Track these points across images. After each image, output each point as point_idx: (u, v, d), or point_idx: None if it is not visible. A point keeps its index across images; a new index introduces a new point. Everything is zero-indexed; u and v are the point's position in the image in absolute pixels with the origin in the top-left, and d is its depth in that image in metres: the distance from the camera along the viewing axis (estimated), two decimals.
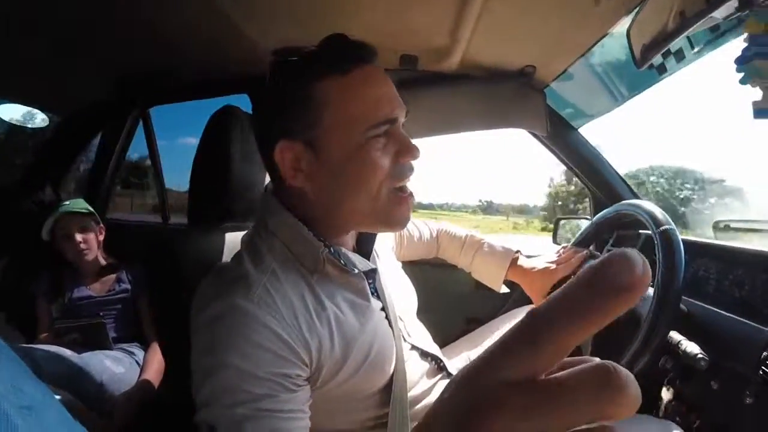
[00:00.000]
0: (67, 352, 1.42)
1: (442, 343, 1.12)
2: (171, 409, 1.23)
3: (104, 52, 1.60)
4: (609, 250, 1.29)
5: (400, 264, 1.06)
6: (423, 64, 1.47)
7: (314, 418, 0.67)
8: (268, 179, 0.88)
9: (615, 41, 1.21)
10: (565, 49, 1.32)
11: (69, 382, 1.33)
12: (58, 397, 1.21)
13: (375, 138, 0.69)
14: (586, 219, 1.57)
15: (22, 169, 2.24)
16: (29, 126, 2.17)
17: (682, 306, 0.97)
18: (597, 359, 0.21)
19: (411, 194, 0.76)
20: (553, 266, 1.12)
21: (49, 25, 1.37)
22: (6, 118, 2.10)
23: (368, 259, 0.84)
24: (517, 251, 1.19)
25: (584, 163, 1.61)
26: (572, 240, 1.33)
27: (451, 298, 1.65)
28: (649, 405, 1.02)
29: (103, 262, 1.83)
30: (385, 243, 1.05)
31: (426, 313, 1.05)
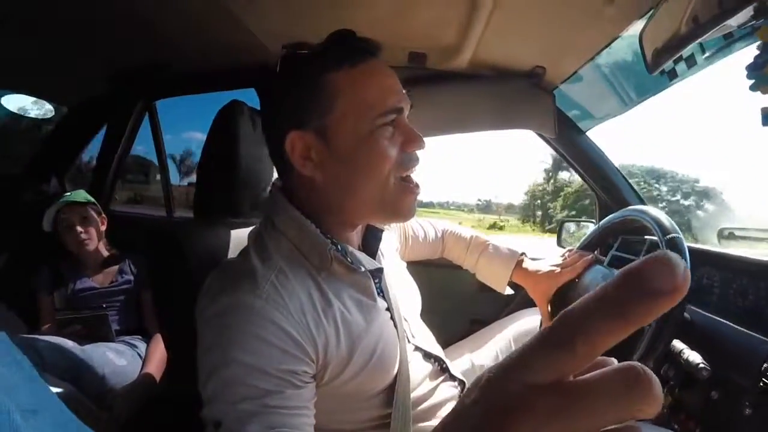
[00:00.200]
0: (69, 344, 1.43)
1: (446, 344, 1.12)
2: (173, 403, 1.24)
3: (109, 44, 1.60)
4: (614, 255, 1.29)
5: (405, 264, 1.06)
6: (432, 61, 1.47)
7: (319, 416, 0.67)
8: (275, 175, 0.89)
9: (625, 44, 1.21)
10: (575, 51, 1.32)
11: (71, 374, 1.33)
12: (59, 389, 1.23)
13: (383, 127, 0.72)
14: (591, 222, 1.57)
15: (28, 160, 2.24)
16: (35, 116, 2.17)
17: (686, 314, 0.97)
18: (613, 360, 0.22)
19: (417, 185, 0.78)
20: (558, 269, 1.12)
21: (54, 16, 1.37)
22: (12, 108, 2.10)
23: (374, 259, 0.85)
24: (522, 253, 1.19)
25: (591, 166, 1.60)
26: (578, 243, 1.33)
27: (455, 299, 1.65)
28: None
29: (105, 253, 1.84)
30: (390, 243, 1.05)
31: (430, 313, 1.05)
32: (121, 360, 1.53)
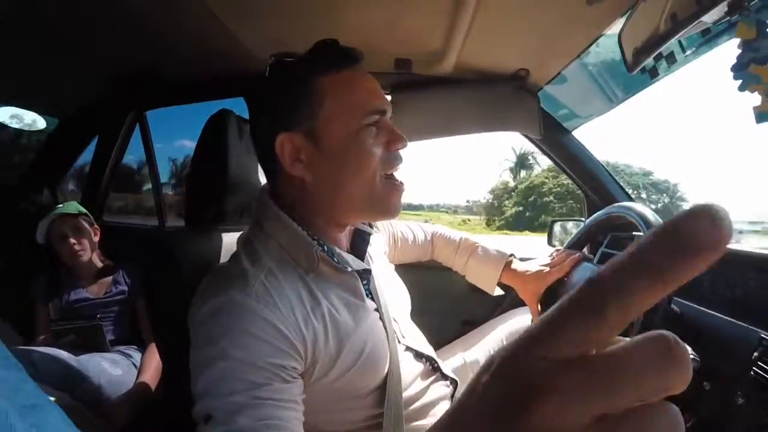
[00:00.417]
0: (64, 354, 1.42)
1: (437, 345, 1.13)
2: (169, 411, 1.24)
3: (99, 56, 1.60)
4: (604, 252, 1.30)
5: (393, 267, 1.07)
6: (417, 67, 1.48)
7: (311, 417, 0.68)
8: (263, 181, 0.90)
9: (610, 42, 1.22)
10: (558, 53, 1.34)
11: (66, 385, 1.33)
12: (53, 398, 1.22)
13: (368, 127, 0.76)
14: (580, 221, 1.58)
15: (20, 171, 2.24)
16: (26, 129, 2.17)
17: (674, 307, 0.98)
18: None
19: (401, 183, 0.81)
20: (547, 269, 1.13)
21: (43, 28, 1.37)
22: (4, 121, 2.10)
23: (362, 260, 0.86)
24: (511, 255, 1.20)
25: (578, 165, 1.62)
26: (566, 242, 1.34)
27: (447, 300, 1.66)
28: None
29: (99, 263, 1.83)
30: (378, 246, 1.07)
31: (421, 315, 1.05)
32: (116, 370, 1.52)
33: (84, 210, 1.83)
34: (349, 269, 0.78)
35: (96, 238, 1.84)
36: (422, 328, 1.03)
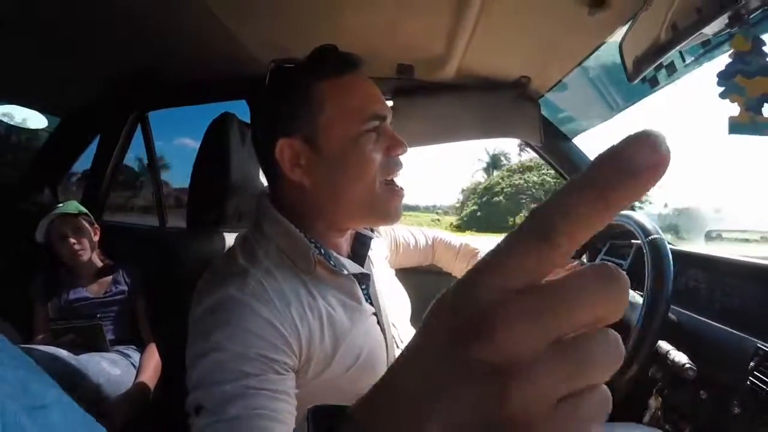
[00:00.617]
0: (64, 353, 1.43)
1: None
2: (168, 412, 1.24)
3: (101, 56, 1.61)
4: (603, 260, 1.30)
5: (394, 272, 1.08)
6: (419, 73, 1.49)
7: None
8: (265, 184, 0.90)
9: (611, 50, 1.23)
10: (559, 60, 1.34)
11: (66, 384, 1.31)
12: None
13: (368, 132, 0.75)
14: None
15: (21, 170, 2.25)
16: (28, 127, 2.18)
17: (671, 316, 0.98)
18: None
19: (401, 189, 0.81)
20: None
21: (45, 28, 1.38)
22: (6, 120, 2.11)
23: (362, 265, 0.86)
24: None
25: (578, 172, 1.62)
26: None
27: None
28: (639, 413, 1.03)
29: (99, 263, 1.84)
30: (379, 251, 1.07)
31: (420, 320, 1.05)
32: (116, 369, 1.52)
33: (84, 209, 1.84)
34: (345, 272, 0.79)
35: (96, 238, 1.84)
36: None
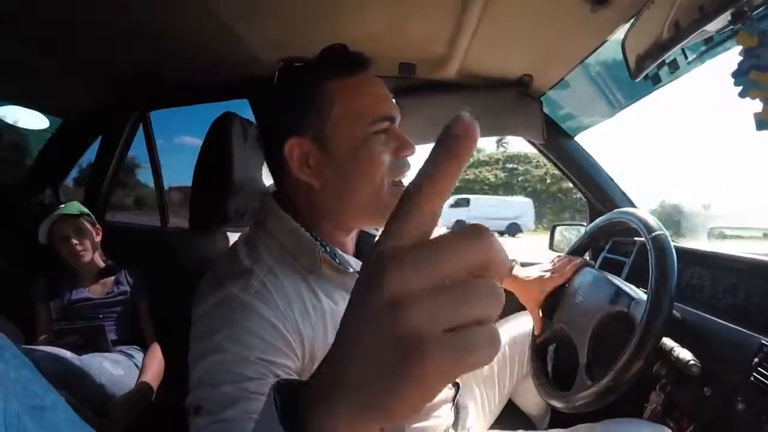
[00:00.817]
0: (66, 354, 1.42)
1: None
2: (170, 412, 1.24)
3: (103, 56, 1.61)
4: (605, 257, 1.30)
5: None
6: (421, 71, 1.49)
7: None
8: (267, 183, 0.90)
9: (612, 48, 1.23)
10: (561, 59, 1.34)
11: (68, 384, 1.33)
12: None
13: (377, 134, 0.75)
14: (583, 226, 1.58)
15: (23, 171, 2.25)
16: (30, 128, 2.18)
17: (675, 313, 0.98)
18: None
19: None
20: (548, 275, 1.13)
21: (47, 28, 1.38)
22: (8, 120, 2.11)
23: None
24: (513, 260, 1.21)
25: (580, 170, 1.62)
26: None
27: None
28: (642, 409, 1.03)
29: (101, 264, 1.84)
30: None
31: None
32: (118, 370, 1.52)
33: (86, 210, 1.84)
34: (351, 270, 0.78)
35: (98, 239, 1.84)
36: None
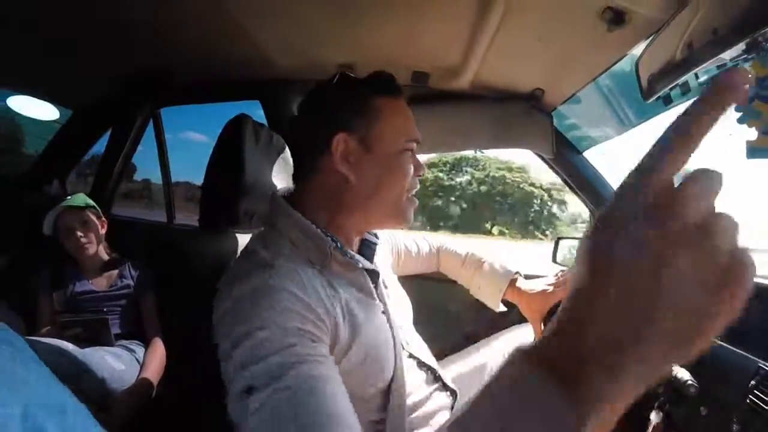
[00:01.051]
0: (68, 347, 1.42)
1: (437, 356, 1.13)
2: (170, 408, 1.25)
3: (116, 52, 1.62)
4: None
5: (396, 277, 1.10)
6: (434, 81, 1.51)
7: None
8: (278, 186, 0.92)
9: (625, 65, 1.24)
10: (574, 75, 1.35)
11: (69, 377, 1.32)
12: None
13: (406, 151, 0.86)
14: None
15: (30, 162, 2.26)
16: (40, 118, 2.19)
17: None
18: None
19: (416, 199, 0.92)
20: (551, 289, 1.14)
21: (63, 17, 1.38)
22: (18, 110, 2.12)
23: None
24: (516, 272, 1.22)
25: (588, 185, 1.62)
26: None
27: (449, 313, 1.67)
28: (640, 428, 1.03)
29: (105, 256, 1.84)
30: (383, 258, 1.09)
31: (422, 326, 1.07)
32: (120, 364, 1.52)
33: (92, 203, 1.84)
34: (360, 265, 0.84)
35: (103, 231, 1.85)
36: (423, 339, 1.04)
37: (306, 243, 0.80)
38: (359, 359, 0.76)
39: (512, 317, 1.50)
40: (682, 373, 0.89)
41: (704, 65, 0.85)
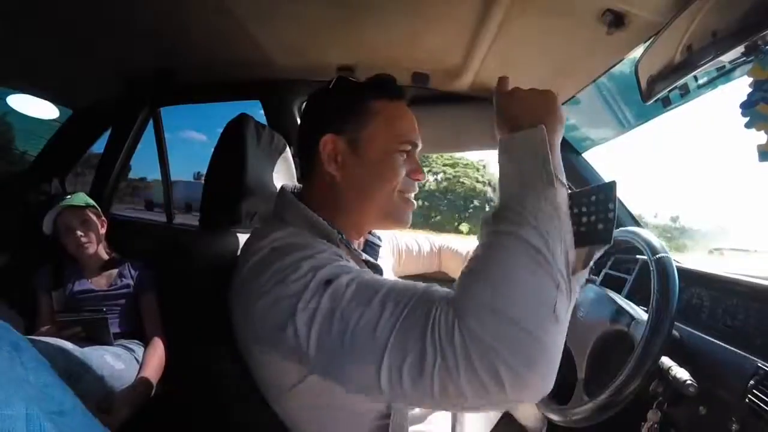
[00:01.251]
0: (68, 346, 1.42)
1: None
2: (170, 407, 1.24)
3: (117, 52, 1.63)
4: (607, 273, 1.32)
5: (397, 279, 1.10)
6: (434, 82, 1.51)
7: (313, 426, 0.75)
8: (278, 186, 0.93)
9: (624, 67, 1.25)
10: (574, 77, 1.36)
11: (68, 376, 1.32)
12: None
13: (400, 152, 0.87)
14: None
15: (30, 161, 2.25)
16: (40, 117, 2.19)
17: (674, 332, 0.99)
18: None
19: (413, 201, 0.94)
20: None
21: (64, 16, 1.39)
22: (17, 108, 2.12)
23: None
24: None
25: (586, 186, 1.63)
26: None
27: None
28: (639, 427, 1.04)
29: (105, 256, 1.84)
30: (385, 259, 1.09)
31: None
32: (119, 363, 1.52)
33: (92, 202, 1.84)
34: (364, 257, 0.88)
35: (102, 231, 1.85)
36: None
37: (315, 234, 0.81)
38: None
39: None
40: (682, 373, 0.89)
41: (703, 68, 0.86)
